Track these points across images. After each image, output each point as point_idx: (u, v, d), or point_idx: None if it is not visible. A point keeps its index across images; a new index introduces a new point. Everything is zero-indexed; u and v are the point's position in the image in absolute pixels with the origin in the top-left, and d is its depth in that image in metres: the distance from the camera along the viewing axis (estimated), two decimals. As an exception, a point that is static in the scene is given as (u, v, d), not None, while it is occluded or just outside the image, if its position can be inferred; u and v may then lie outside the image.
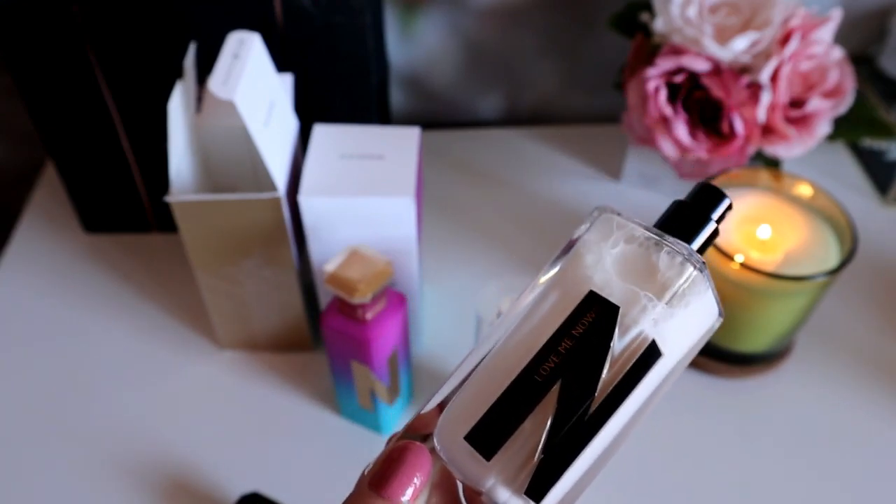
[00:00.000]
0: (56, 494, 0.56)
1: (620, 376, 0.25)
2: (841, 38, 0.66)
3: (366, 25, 0.61)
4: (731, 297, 0.58)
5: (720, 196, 0.27)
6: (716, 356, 0.62)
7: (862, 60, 0.80)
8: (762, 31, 0.63)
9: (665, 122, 0.67)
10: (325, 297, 0.60)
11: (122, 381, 0.62)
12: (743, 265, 0.55)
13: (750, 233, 0.59)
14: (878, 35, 0.82)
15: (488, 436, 0.24)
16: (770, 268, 0.56)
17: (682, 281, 0.25)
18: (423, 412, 0.27)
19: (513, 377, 0.25)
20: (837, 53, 0.65)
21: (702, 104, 0.66)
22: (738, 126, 0.64)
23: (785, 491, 0.56)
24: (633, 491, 0.56)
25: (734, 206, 0.61)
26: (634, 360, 0.25)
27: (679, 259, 0.25)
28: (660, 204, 0.76)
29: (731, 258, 0.55)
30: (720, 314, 0.27)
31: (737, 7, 0.65)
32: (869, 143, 0.80)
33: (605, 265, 0.25)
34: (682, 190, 0.75)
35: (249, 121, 0.50)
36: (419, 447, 0.25)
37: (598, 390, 0.24)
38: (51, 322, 0.66)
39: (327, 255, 0.55)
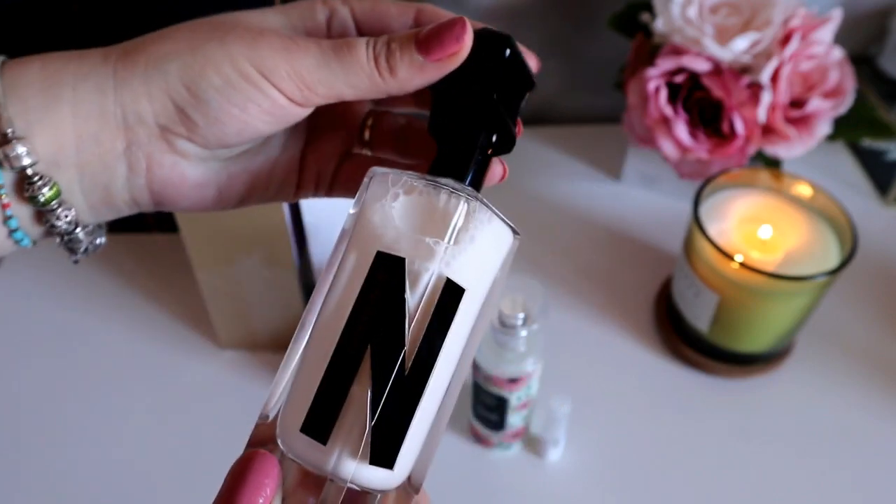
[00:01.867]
0: (56, 494, 0.56)
1: (427, 322, 0.25)
2: (841, 38, 0.66)
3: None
4: (731, 297, 0.58)
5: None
6: (716, 356, 0.62)
7: (862, 60, 0.80)
8: (762, 31, 0.63)
9: (665, 122, 0.67)
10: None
11: (123, 381, 0.62)
12: (743, 265, 0.55)
13: (750, 233, 0.59)
14: (878, 35, 0.82)
15: (319, 421, 0.25)
16: (770, 268, 0.56)
17: (457, 216, 0.26)
18: (259, 422, 0.28)
19: (329, 357, 0.25)
20: (837, 53, 0.65)
21: (702, 104, 0.66)
22: (739, 126, 0.64)
23: (785, 490, 0.56)
24: (634, 491, 0.56)
25: (734, 206, 0.61)
26: (436, 302, 0.25)
27: (453, 196, 0.26)
28: (660, 204, 0.77)
29: (731, 258, 0.55)
30: (515, 234, 0.28)
31: (737, 7, 0.65)
32: (869, 143, 0.80)
33: (390, 221, 0.26)
34: (682, 190, 0.75)
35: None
36: (262, 454, 0.25)
37: (407, 342, 0.25)
38: (51, 322, 0.66)
39: (327, 255, 0.55)
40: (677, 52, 0.65)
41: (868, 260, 0.69)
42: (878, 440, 0.59)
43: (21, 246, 0.28)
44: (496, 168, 0.30)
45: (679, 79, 0.65)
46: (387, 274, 0.25)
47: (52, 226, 0.27)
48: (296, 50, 0.27)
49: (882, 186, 0.78)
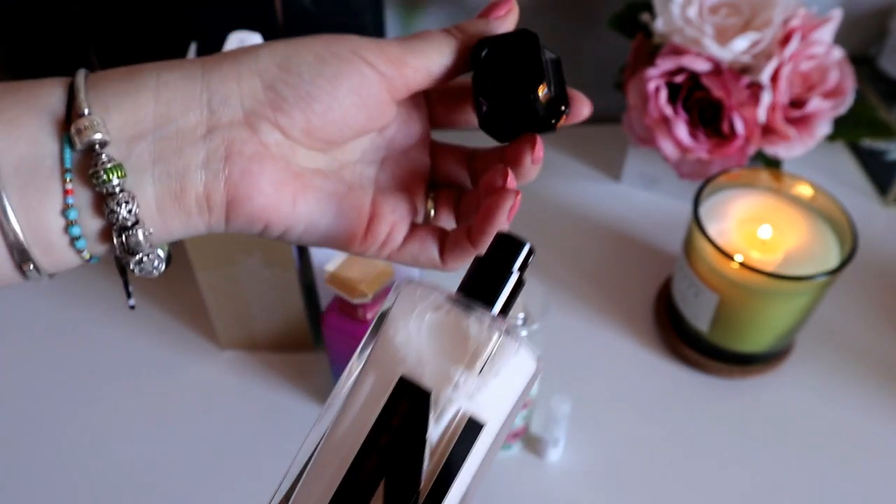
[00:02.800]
0: (56, 494, 0.56)
1: (444, 460, 0.24)
2: (841, 38, 0.66)
3: (366, 25, 0.61)
4: (731, 297, 0.58)
5: (519, 245, 0.27)
6: (716, 356, 0.62)
7: (862, 60, 0.80)
8: (762, 31, 0.63)
9: (665, 122, 0.67)
10: (325, 297, 0.60)
11: (123, 381, 0.62)
12: (743, 265, 0.55)
13: (750, 233, 0.59)
14: (878, 35, 0.82)
15: None
16: (770, 268, 0.56)
17: (489, 349, 0.25)
18: None
19: (340, 478, 0.24)
20: (837, 53, 0.65)
21: (702, 104, 0.66)
22: (739, 126, 0.64)
23: (785, 490, 0.56)
24: (634, 490, 0.56)
25: (734, 206, 0.61)
26: (456, 439, 0.24)
27: (486, 325, 0.25)
28: (660, 204, 0.77)
29: (731, 258, 0.55)
30: (538, 361, 0.27)
31: (737, 7, 0.65)
32: (869, 143, 0.80)
33: (414, 343, 0.25)
34: (682, 190, 0.75)
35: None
36: None
37: (422, 482, 0.24)
38: (51, 322, 0.66)
39: (327, 255, 0.55)
40: (677, 52, 0.65)
41: (868, 260, 0.69)
42: (877, 440, 0.59)
43: (76, 248, 0.26)
44: (583, 106, 0.31)
45: (679, 79, 0.65)
46: (409, 404, 0.24)
47: (112, 212, 0.25)
48: (387, 41, 0.29)
49: (882, 186, 0.78)
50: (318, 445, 0.25)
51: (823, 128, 0.65)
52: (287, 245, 0.56)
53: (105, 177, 0.25)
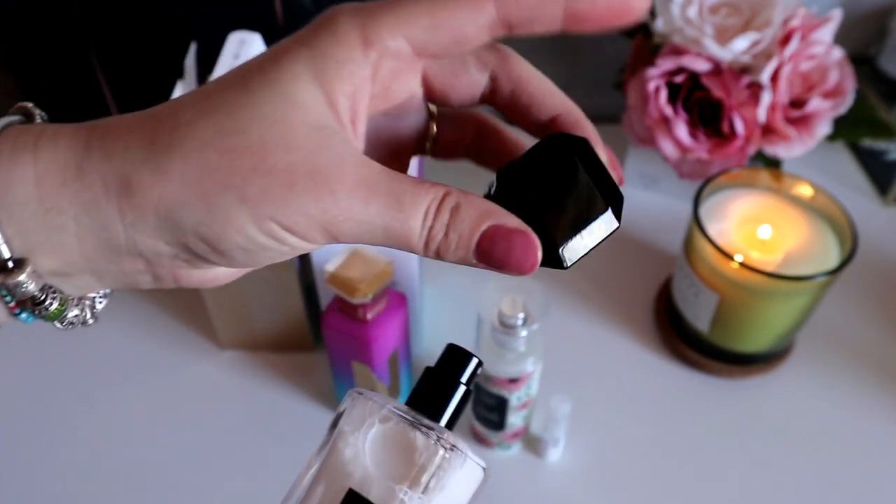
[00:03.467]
0: (55, 494, 0.56)
1: None
2: (841, 38, 0.66)
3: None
4: (731, 297, 0.58)
5: (467, 357, 0.28)
6: (716, 356, 0.62)
7: (862, 60, 0.80)
8: (762, 31, 0.63)
9: (665, 122, 0.67)
10: (325, 297, 0.60)
11: (123, 381, 0.62)
12: (743, 265, 0.55)
13: (750, 233, 0.59)
14: (878, 35, 0.82)
15: None
16: (770, 268, 0.56)
17: (435, 464, 0.26)
18: None
19: None
20: (837, 54, 0.65)
21: (702, 104, 0.66)
22: (739, 126, 0.64)
23: (785, 490, 0.56)
24: (633, 490, 0.56)
25: (734, 206, 0.61)
26: None
27: (432, 440, 0.26)
28: (660, 204, 0.77)
29: (731, 258, 0.55)
30: (485, 469, 0.27)
31: (737, 7, 0.65)
32: (869, 143, 0.80)
33: (361, 458, 0.26)
34: (682, 190, 0.75)
35: (250, 121, 0.50)
36: None
37: None
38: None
39: (328, 255, 0.55)
40: (677, 52, 0.65)
41: (868, 260, 0.69)
42: (877, 440, 0.59)
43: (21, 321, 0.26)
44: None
45: (679, 79, 0.65)
46: None
47: (63, 318, 0.26)
48: (334, 207, 0.23)
49: (882, 186, 0.78)
50: None
51: (823, 128, 0.65)
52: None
53: (50, 313, 0.25)
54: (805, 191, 0.61)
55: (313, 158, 0.23)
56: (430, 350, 0.64)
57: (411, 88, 0.27)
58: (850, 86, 0.65)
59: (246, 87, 0.24)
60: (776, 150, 0.65)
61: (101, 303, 0.28)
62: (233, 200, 0.23)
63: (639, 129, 0.71)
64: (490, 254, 0.25)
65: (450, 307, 0.67)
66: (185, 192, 0.23)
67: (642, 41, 0.70)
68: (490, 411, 0.54)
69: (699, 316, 0.60)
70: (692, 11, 0.64)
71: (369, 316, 0.50)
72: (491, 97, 0.28)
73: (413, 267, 0.56)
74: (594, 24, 0.25)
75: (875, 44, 0.83)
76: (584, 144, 0.26)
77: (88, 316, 0.27)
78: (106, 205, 0.23)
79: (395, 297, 0.53)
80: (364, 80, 0.25)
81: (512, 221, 0.25)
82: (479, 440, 0.58)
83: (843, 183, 0.79)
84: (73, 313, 0.26)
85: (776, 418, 0.60)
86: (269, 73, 0.24)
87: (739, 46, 0.62)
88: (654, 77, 0.65)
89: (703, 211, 0.59)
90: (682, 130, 0.67)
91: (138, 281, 0.26)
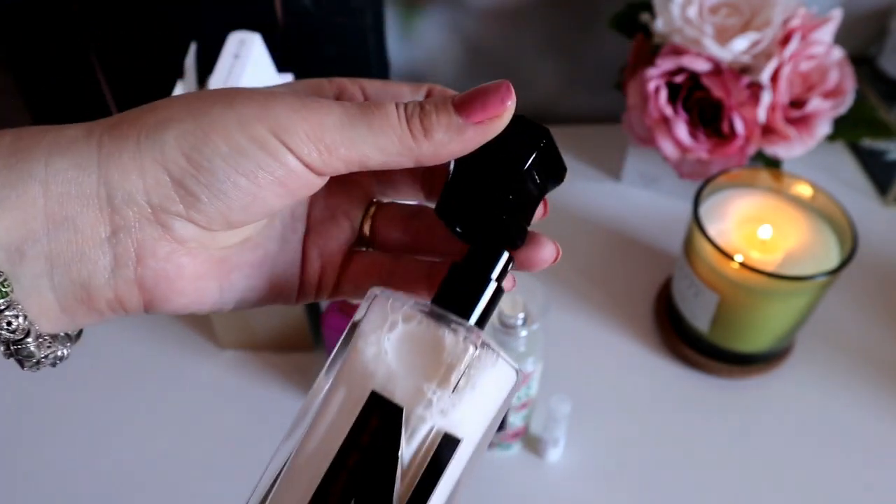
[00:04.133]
0: (55, 494, 0.56)
1: (417, 479, 0.23)
2: (841, 38, 0.66)
3: (366, 25, 0.61)
4: (731, 297, 0.58)
5: (497, 253, 0.26)
6: (716, 356, 0.62)
7: (862, 60, 0.80)
8: (762, 31, 0.63)
9: (665, 122, 0.67)
10: (325, 297, 0.60)
11: (123, 381, 0.62)
12: (743, 265, 0.55)
13: (750, 233, 0.59)
14: (878, 35, 0.82)
15: None
16: (770, 268, 0.56)
17: (465, 363, 0.24)
18: None
19: (307, 500, 0.23)
20: (837, 53, 0.65)
21: (702, 104, 0.66)
22: (739, 126, 0.64)
23: (785, 490, 0.56)
24: (634, 491, 0.56)
25: (734, 206, 0.61)
26: (430, 457, 0.23)
27: (461, 337, 0.24)
28: (660, 204, 0.77)
29: (731, 258, 0.55)
30: (517, 372, 0.25)
31: (737, 7, 0.65)
32: (869, 143, 0.80)
33: (386, 357, 0.24)
34: (682, 190, 0.75)
35: (250, 121, 0.50)
36: None
37: (395, 500, 0.23)
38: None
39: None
40: (677, 52, 0.65)
41: (868, 260, 0.69)
42: (878, 440, 0.59)
43: None
44: (546, 249, 0.28)
45: (679, 79, 0.65)
46: (381, 421, 0.23)
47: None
48: (316, 107, 0.24)
49: (882, 186, 0.78)
50: (285, 464, 0.24)
51: (823, 128, 0.65)
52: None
53: None
54: (805, 191, 0.61)
55: (294, 92, 0.25)
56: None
57: None
58: (850, 86, 0.65)
59: (240, 88, 0.25)
60: (776, 150, 0.65)
61: (58, 350, 0.25)
62: (220, 108, 0.23)
63: (639, 129, 0.71)
64: (470, 102, 0.25)
65: (450, 307, 0.67)
66: (173, 113, 0.23)
67: (642, 41, 0.70)
68: (490, 411, 0.54)
69: (699, 316, 0.60)
70: (692, 11, 0.64)
71: (369, 316, 0.50)
72: None
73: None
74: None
75: (875, 44, 0.83)
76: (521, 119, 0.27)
77: (32, 345, 0.23)
78: (85, 141, 0.23)
79: (395, 297, 0.53)
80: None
81: (480, 86, 0.26)
82: (479, 440, 0.58)
83: (843, 183, 0.79)
84: (12, 318, 0.22)
85: (776, 418, 0.60)
86: (256, 88, 0.26)
87: (739, 46, 0.62)
88: (654, 77, 0.65)
89: (703, 211, 0.59)
90: (682, 130, 0.67)
91: (96, 268, 0.23)
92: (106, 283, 0.24)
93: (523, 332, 0.50)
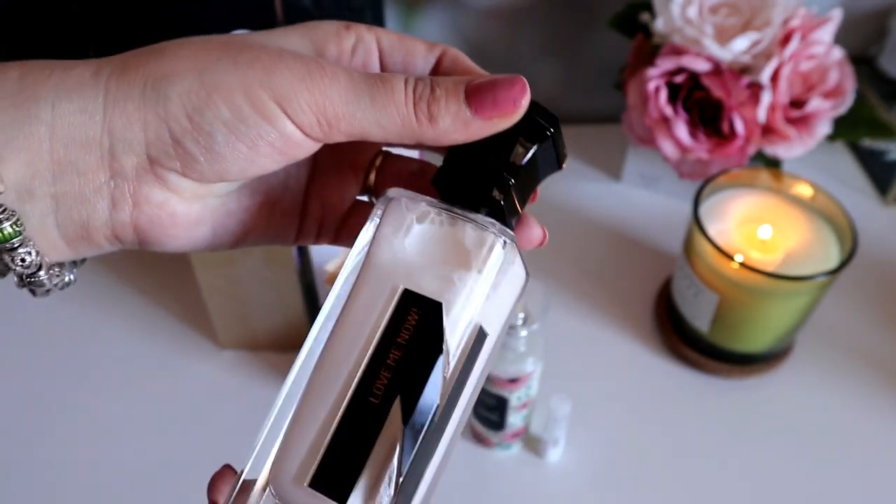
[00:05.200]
0: (54, 494, 0.56)
1: (459, 371, 0.23)
2: (841, 38, 0.66)
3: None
4: (731, 297, 0.58)
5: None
6: (716, 356, 0.62)
7: (862, 60, 0.80)
8: (762, 31, 0.63)
9: (665, 122, 0.67)
10: (325, 297, 0.60)
11: (123, 381, 0.62)
12: (743, 265, 0.55)
13: (750, 233, 0.59)
14: (878, 35, 0.82)
15: (336, 477, 0.22)
16: (770, 268, 0.56)
17: (484, 250, 0.24)
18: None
19: (345, 404, 0.23)
20: (837, 54, 0.65)
21: (702, 104, 0.66)
22: (739, 126, 0.64)
23: (785, 490, 0.56)
24: (633, 491, 0.56)
25: (734, 206, 0.61)
26: (468, 350, 0.23)
27: (488, 234, 0.24)
28: (660, 204, 0.77)
29: (731, 258, 0.55)
30: (527, 275, 0.26)
31: (737, 7, 0.65)
32: (869, 143, 0.80)
33: (408, 255, 0.24)
34: (682, 190, 0.75)
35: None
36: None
37: (440, 396, 0.23)
38: (50, 321, 0.66)
39: (327, 255, 0.55)
40: (677, 52, 0.65)
41: (868, 260, 0.69)
42: (878, 440, 0.59)
43: None
44: (535, 230, 0.28)
45: (679, 79, 0.65)
46: (420, 317, 0.23)
47: (8, 267, 0.24)
48: (321, 76, 0.24)
49: (882, 186, 0.78)
50: (310, 377, 0.24)
51: (823, 128, 0.65)
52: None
53: (1, 237, 0.23)
54: (805, 191, 0.61)
55: (301, 55, 0.25)
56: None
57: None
58: (850, 86, 0.65)
59: (249, 35, 0.26)
60: (776, 150, 0.65)
61: (65, 276, 0.26)
62: (226, 66, 0.23)
63: (639, 129, 0.71)
64: (481, 95, 0.24)
65: (450, 307, 0.67)
66: (178, 65, 0.23)
67: (642, 41, 0.70)
68: (490, 411, 0.54)
69: (699, 316, 0.60)
70: (692, 11, 0.64)
71: (369, 316, 0.50)
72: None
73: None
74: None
75: (875, 44, 0.83)
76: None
77: (44, 276, 0.25)
78: (92, 86, 0.23)
79: (395, 297, 0.53)
80: (344, 53, 0.27)
81: (491, 75, 0.25)
82: (479, 440, 0.58)
83: (843, 183, 0.79)
84: (26, 255, 0.24)
85: (776, 418, 0.60)
86: (270, 31, 0.26)
87: (739, 46, 0.62)
88: (654, 77, 0.65)
89: (703, 211, 0.59)
90: (682, 130, 0.67)
91: (92, 210, 0.24)
92: (104, 223, 0.25)
93: (523, 332, 0.50)
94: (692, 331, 0.62)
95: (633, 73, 0.70)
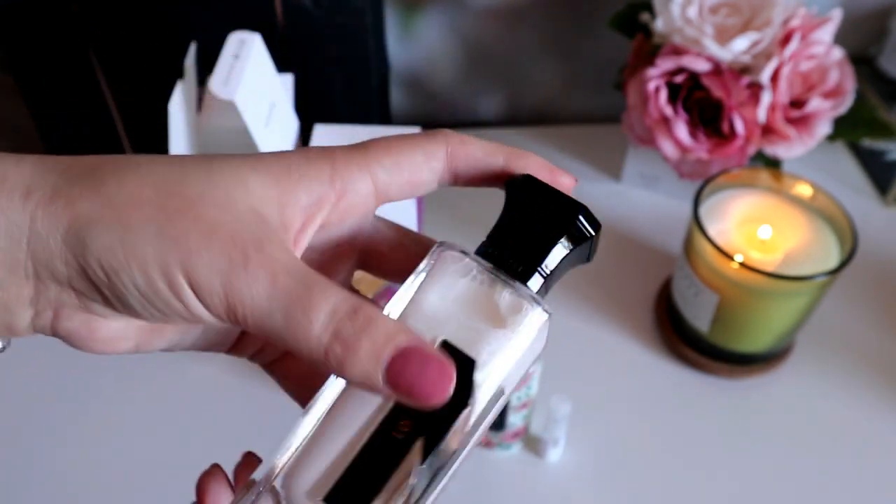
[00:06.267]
0: (54, 494, 0.56)
1: (477, 424, 0.25)
2: (841, 38, 0.66)
3: (366, 25, 0.61)
4: (731, 297, 0.58)
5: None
6: (716, 356, 0.62)
7: (862, 60, 0.80)
8: (762, 31, 0.63)
9: (665, 122, 0.67)
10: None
11: (123, 381, 0.62)
12: (743, 265, 0.55)
13: (750, 233, 0.59)
14: (878, 35, 0.82)
15: (351, 497, 0.24)
16: (770, 268, 0.56)
17: (530, 325, 0.25)
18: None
19: (369, 434, 0.24)
20: (837, 54, 0.65)
21: (702, 104, 0.66)
22: (739, 126, 0.64)
23: (785, 490, 0.56)
24: (633, 491, 0.56)
25: (734, 206, 0.61)
26: (485, 407, 0.25)
27: (528, 301, 0.25)
28: (660, 204, 0.77)
29: (731, 258, 0.55)
30: (548, 316, 0.26)
31: (737, 7, 0.65)
32: (869, 143, 0.80)
33: (449, 306, 0.25)
34: (682, 190, 0.75)
35: (250, 121, 0.50)
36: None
37: (461, 441, 0.24)
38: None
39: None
40: (677, 52, 0.65)
41: (868, 260, 0.69)
42: (878, 440, 0.59)
43: None
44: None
45: (679, 79, 0.65)
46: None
47: None
48: (239, 275, 0.22)
49: (882, 186, 0.78)
50: (338, 401, 0.25)
51: (823, 128, 0.65)
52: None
53: None
54: (805, 191, 0.61)
55: (241, 227, 0.23)
56: (430, 350, 0.64)
57: (361, 223, 0.28)
58: (850, 86, 0.65)
59: (208, 162, 0.24)
60: (776, 150, 0.65)
61: None
62: (150, 233, 0.22)
63: (639, 129, 0.71)
64: (401, 374, 0.22)
65: (450, 307, 0.67)
66: (106, 214, 0.23)
67: (642, 41, 0.70)
68: (490, 411, 0.54)
69: (699, 316, 0.60)
70: (692, 11, 0.64)
71: (369, 316, 0.50)
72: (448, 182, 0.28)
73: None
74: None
75: (875, 44, 0.83)
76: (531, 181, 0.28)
77: None
78: (20, 210, 0.23)
79: (395, 297, 0.53)
80: (322, 203, 0.25)
81: (430, 347, 0.23)
82: (479, 440, 0.58)
83: (843, 183, 0.79)
84: None
85: (776, 418, 0.60)
86: (233, 161, 0.24)
87: (739, 46, 0.62)
88: (654, 77, 0.65)
89: (703, 211, 0.59)
90: (682, 130, 0.67)
91: (16, 318, 0.24)
92: (27, 328, 0.25)
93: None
94: (692, 331, 0.62)
95: (633, 73, 0.70)
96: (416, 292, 0.26)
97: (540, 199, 0.28)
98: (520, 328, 0.25)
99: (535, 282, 0.26)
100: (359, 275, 0.48)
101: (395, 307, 0.26)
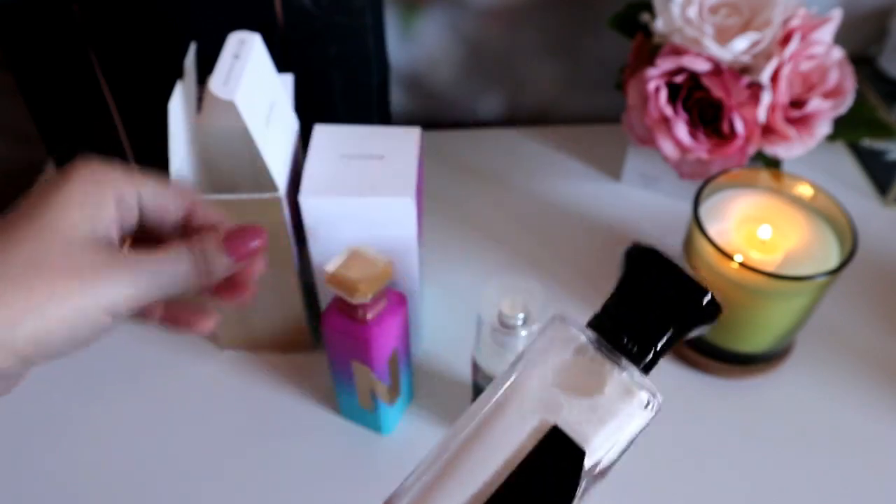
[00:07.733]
0: (54, 494, 0.56)
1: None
2: (841, 38, 0.66)
3: (366, 25, 0.61)
4: (731, 297, 0.58)
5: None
6: (716, 356, 0.62)
7: (862, 60, 0.80)
8: (762, 31, 0.63)
9: (665, 122, 0.67)
10: (325, 297, 0.60)
11: (122, 381, 0.62)
12: (743, 265, 0.55)
13: (750, 233, 0.59)
14: (878, 35, 0.82)
15: None
16: (770, 268, 0.56)
17: (638, 420, 0.26)
18: None
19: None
20: (837, 54, 0.65)
21: (702, 104, 0.66)
22: (739, 126, 0.64)
23: (785, 490, 0.56)
24: (633, 491, 0.56)
25: (734, 206, 0.61)
26: (582, 492, 0.26)
27: (634, 385, 0.25)
28: (660, 204, 0.77)
29: (730, 258, 0.55)
30: (649, 406, 0.27)
31: (737, 7, 0.65)
32: (869, 143, 0.80)
33: (560, 385, 0.25)
34: (682, 190, 0.75)
35: (250, 121, 0.50)
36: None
37: None
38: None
39: (327, 255, 0.55)
40: (677, 52, 0.65)
41: (868, 260, 0.69)
42: (877, 440, 0.59)
43: None
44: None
45: (679, 79, 0.65)
46: (561, 459, 0.25)
47: None
48: (101, 282, 0.33)
49: (882, 186, 0.78)
50: (441, 470, 0.25)
51: (823, 128, 0.65)
52: (287, 245, 0.56)
53: None
54: (805, 191, 0.61)
55: (28, 298, 0.33)
56: (430, 350, 0.64)
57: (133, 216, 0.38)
58: (850, 86, 0.65)
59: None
60: (776, 150, 0.65)
61: None
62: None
63: (639, 129, 0.71)
64: (234, 243, 0.36)
65: (450, 307, 0.67)
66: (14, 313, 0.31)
67: (642, 41, 0.70)
68: (490, 411, 0.54)
69: (699, 316, 0.60)
70: (692, 11, 0.64)
71: (369, 316, 0.50)
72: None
73: (413, 267, 0.56)
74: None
75: (875, 44, 0.83)
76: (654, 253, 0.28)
77: None
78: None
79: (395, 297, 0.53)
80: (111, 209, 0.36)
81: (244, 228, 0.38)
82: (480, 440, 0.58)
83: (843, 183, 0.79)
84: None
85: (776, 418, 0.60)
86: (57, 207, 0.35)
87: (739, 46, 0.62)
88: (654, 77, 0.66)
89: (703, 211, 0.59)
90: (682, 130, 0.67)
91: None
92: None
93: (523, 332, 0.50)
94: (692, 331, 0.62)
95: (633, 73, 0.70)
96: (529, 367, 0.26)
97: (663, 277, 0.29)
98: (629, 413, 0.25)
99: (649, 364, 0.26)
100: (358, 275, 0.48)
101: (507, 378, 0.26)
